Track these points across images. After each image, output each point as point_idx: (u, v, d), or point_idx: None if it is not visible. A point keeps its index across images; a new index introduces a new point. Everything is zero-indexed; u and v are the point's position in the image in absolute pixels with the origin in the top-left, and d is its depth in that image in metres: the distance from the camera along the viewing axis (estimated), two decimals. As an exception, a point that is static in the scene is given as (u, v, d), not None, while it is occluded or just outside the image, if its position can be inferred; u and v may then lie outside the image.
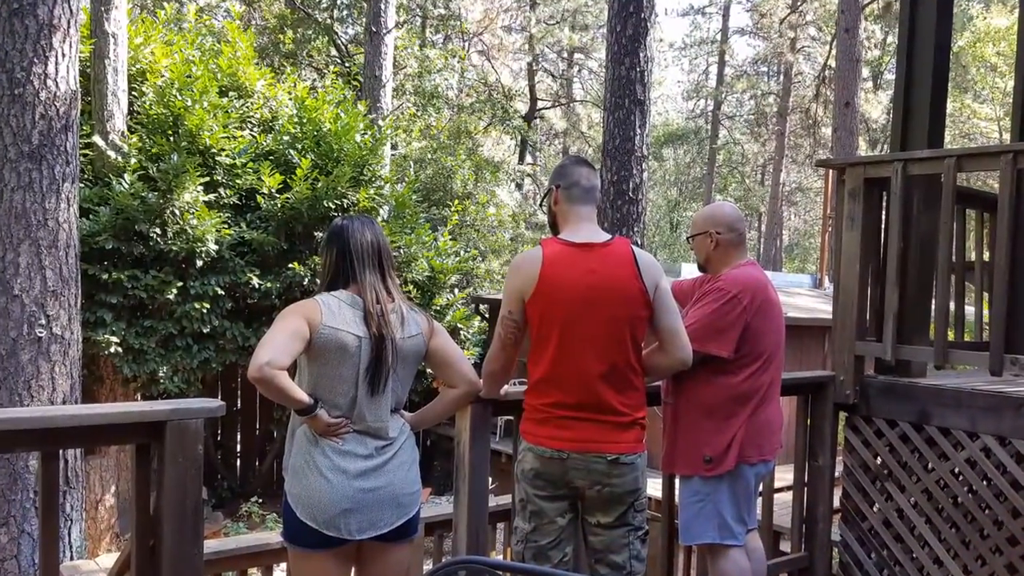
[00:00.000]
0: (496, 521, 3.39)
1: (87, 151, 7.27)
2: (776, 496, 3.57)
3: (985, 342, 3.56)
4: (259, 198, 8.19)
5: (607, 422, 2.35)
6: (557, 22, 23.69)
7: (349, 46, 18.60)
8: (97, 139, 7.34)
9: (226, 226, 7.83)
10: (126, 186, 7.18)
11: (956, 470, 3.24)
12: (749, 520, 2.78)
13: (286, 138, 8.62)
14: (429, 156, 15.84)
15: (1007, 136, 20.39)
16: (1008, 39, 20.79)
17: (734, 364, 2.65)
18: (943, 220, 3.23)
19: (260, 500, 8.93)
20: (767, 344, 2.72)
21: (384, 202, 9.31)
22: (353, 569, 2.37)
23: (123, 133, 7.55)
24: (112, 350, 7.25)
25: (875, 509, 3.48)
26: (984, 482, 3.14)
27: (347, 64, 16.46)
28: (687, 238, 3.01)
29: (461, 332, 9.70)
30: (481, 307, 13.10)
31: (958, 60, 21.82)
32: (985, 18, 22.68)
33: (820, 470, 3.49)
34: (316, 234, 8.45)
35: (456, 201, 13.42)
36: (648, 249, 12.28)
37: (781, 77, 29.32)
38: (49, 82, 5.21)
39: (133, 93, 7.85)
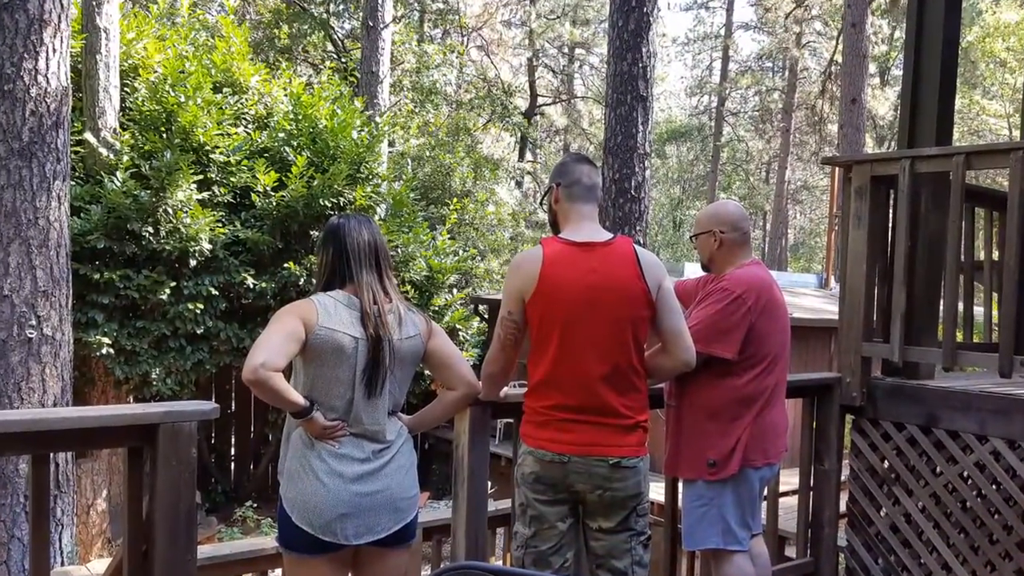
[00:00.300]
0: (496, 526, 3.38)
1: (78, 148, 7.18)
2: (781, 500, 3.53)
3: (994, 343, 3.53)
4: (254, 196, 8.13)
5: (609, 425, 2.32)
6: (558, 17, 23.68)
7: (346, 41, 18.56)
8: (89, 136, 7.26)
9: (220, 225, 7.76)
10: (118, 184, 7.12)
11: (965, 474, 3.20)
12: (754, 525, 2.76)
13: (281, 135, 8.56)
14: (427, 153, 15.78)
15: (1016, 133, 20.41)
16: (1018, 34, 20.79)
17: (738, 366, 2.62)
18: (951, 219, 3.20)
19: (255, 504, 8.86)
20: (772, 345, 2.69)
21: (381, 200, 9.25)
22: (350, 575, 2.33)
23: (115, 130, 7.48)
24: (104, 351, 7.18)
25: (882, 514, 3.44)
26: (993, 486, 3.11)
27: (344, 59, 16.36)
28: (690, 237, 2.98)
29: (460, 333, 9.65)
30: (480, 307, 13.04)
31: (967, 55, 21.72)
32: (994, 12, 22.51)
33: (826, 474, 3.46)
34: (312, 233, 8.39)
35: (455, 199, 13.38)
36: (651, 248, 12.20)
37: (786, 73, 29.29)
38: (40, 78, 5.14)
39: (125, 89, 7.77)
